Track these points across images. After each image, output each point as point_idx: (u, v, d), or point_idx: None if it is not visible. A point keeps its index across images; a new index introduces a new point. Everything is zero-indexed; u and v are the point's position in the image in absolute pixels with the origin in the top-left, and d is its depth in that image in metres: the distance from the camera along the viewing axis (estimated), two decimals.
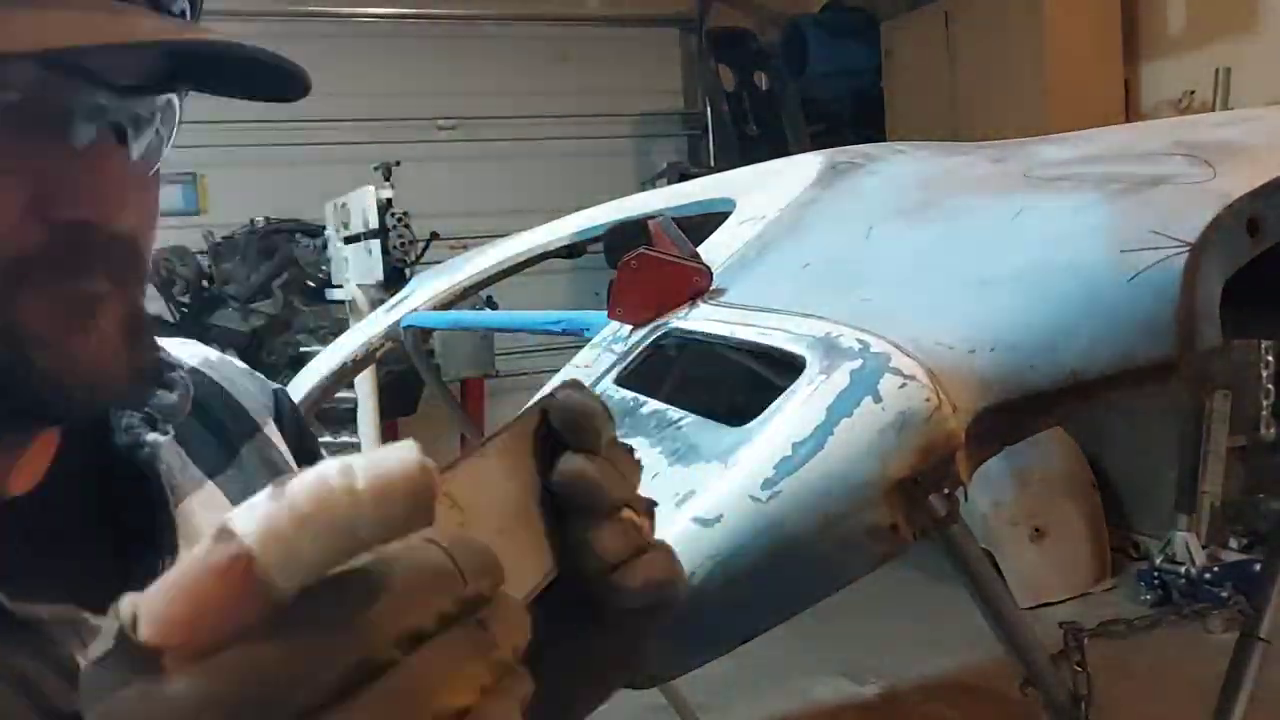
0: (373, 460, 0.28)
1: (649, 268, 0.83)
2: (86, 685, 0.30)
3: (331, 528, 0.27)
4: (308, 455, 0.71)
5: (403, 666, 0.28)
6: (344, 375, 1.96)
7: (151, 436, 0.60)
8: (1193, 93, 4.18)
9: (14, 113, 0.50)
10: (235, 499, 0.63)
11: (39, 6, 0.48)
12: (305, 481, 0.28)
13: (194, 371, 0.66)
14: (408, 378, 4.17)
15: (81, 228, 0.52)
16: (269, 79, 0.55)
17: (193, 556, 0.28)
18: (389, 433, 4.35)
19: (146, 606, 0.28)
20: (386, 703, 0.28)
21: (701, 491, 0.62)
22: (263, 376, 0.75)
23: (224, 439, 0.67)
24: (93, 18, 0.50)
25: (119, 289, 0.55)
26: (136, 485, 0.60)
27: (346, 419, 3.64)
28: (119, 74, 0.52)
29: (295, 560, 0.27)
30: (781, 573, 0.59)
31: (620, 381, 0.82)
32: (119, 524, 0.59)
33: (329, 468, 0.28)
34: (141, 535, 0.59)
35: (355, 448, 3.69)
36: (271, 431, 0.70)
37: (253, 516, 0.28)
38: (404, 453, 0.28)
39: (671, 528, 0.61)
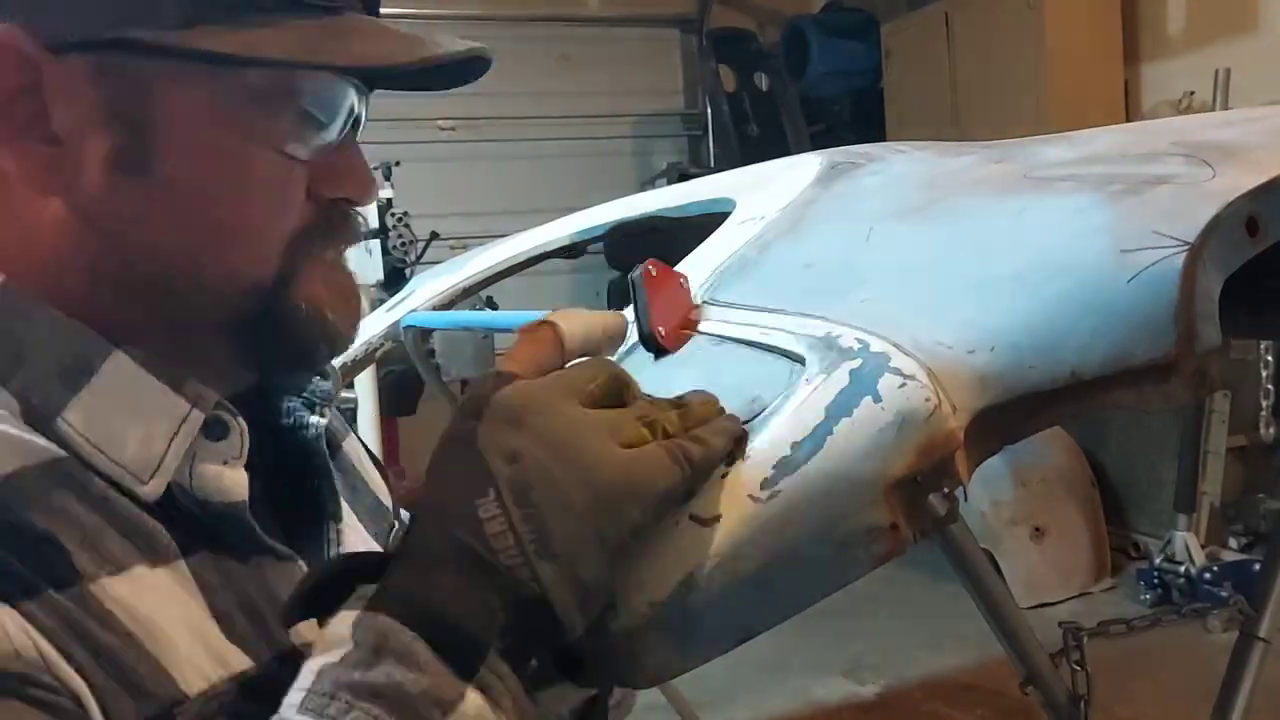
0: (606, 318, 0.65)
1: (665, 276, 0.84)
2: (473, 393, 0.56)
3: (587, 338, 0.63)
4: (366, 448, 0.86)
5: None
6: (344, 375, 1.96)
7: (314, 419, 0.70)
8: (1192, 93, 4.18)
9: (312, 111, 0.61)
10: (348, 488, 0.75)
11: (332, 27, 0.60)
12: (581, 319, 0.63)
13: None
14: (408, 378, 4.17)
15: (343, 204, 0.65)
16: (457, 71, 0.67)
17: (526, 334, 0.61)
18: (389, 432, 4.35)
19: (509, 356, 0.60)
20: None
21: (700, 491, 0.62)
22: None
23: (334, 438, 0.77)
24: (381, 33, 0.62)
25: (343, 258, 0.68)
26: (298, 460, 0.69)
27: (347, 419, 3.63)
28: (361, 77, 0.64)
29: (575, 342, 0.62)
30: (781, 572, 0.59)
31: None
32: (286, 493, 0.67)
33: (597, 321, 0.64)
34: (305, 503, 0.68)
35: None
36: (354, 442, 0.83)
37: (567, 320, 0.62)
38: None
39: (670, 527, 0.61)
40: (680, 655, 0.60)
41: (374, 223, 3.58)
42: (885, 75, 5.41)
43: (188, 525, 0.58)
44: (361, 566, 0.55)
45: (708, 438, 0.59)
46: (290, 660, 0.56)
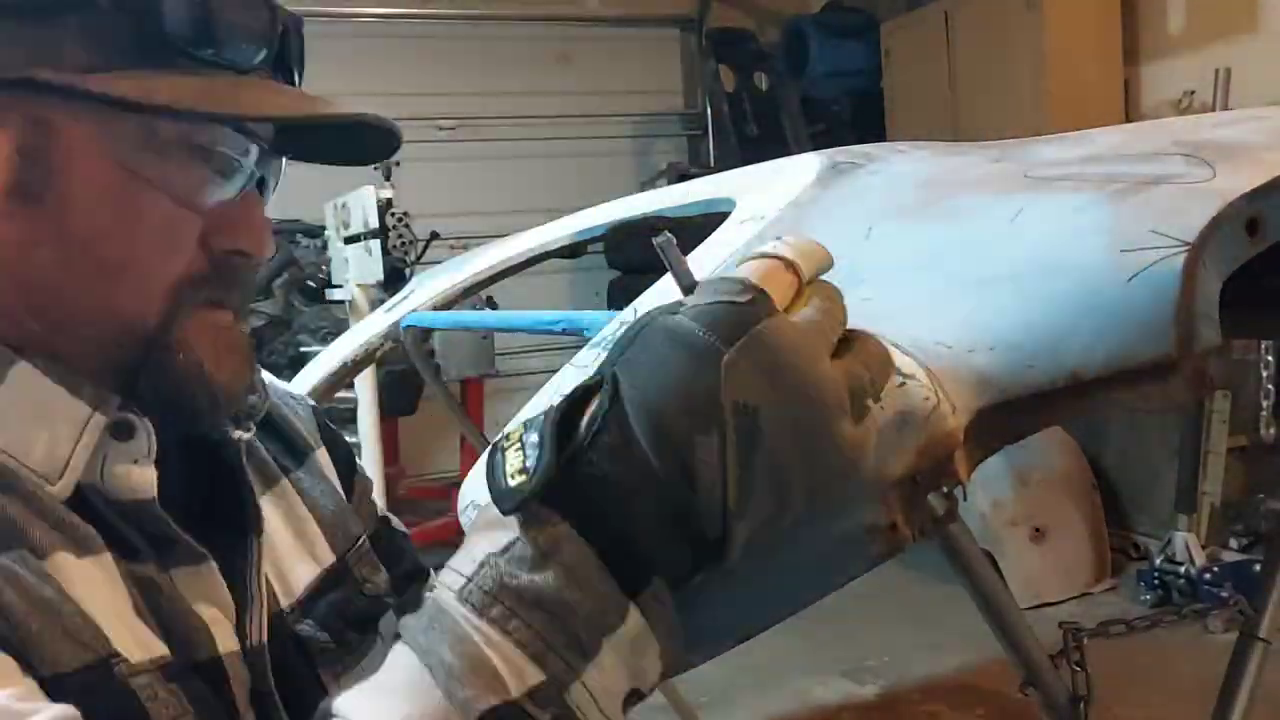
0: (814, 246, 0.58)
1: None
2: (730, 305, 0.52)
3: (817, 270, 0.57)
4: (344, 458, 0.85)
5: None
6: (344, 375, 1.96)
7: (237, 434, 0.70)
8: (1192, 93, 4.18)
9: (210, 163, 0.63)
10: (307, 496, 0.77)
11: (235, 83, 0.63)
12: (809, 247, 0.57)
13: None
14: (408, 378, 4.17)
15: (235, 258, 0.66)
16: (366, 143, 0.70)
17: (772, 261, 0.55)
18: (389, 432, 4.35)
19: (747, 268, 0.55)
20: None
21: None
22: (301, 394, 0.87)
23: (294, 448, 0.79)
24: (281, 93, 0.66)
25: (243, 315, 0.69)
26: (221, 473, 0.70)
27: (346, 419, 3.64)
28: (266, 137, 0.66)
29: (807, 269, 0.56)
30: (781, 573, 0.59)
31: None
32: (206, 507, 0.69)
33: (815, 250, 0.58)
34: (224, 516, 0.69)
35: (355, 448, 3.69)
36: (323, 454, 0.82)
37: (791, 247, 0.56)
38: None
39: None
40: (680, 654, 0.60)
41: (374, 222, 3.57)
42: (885, 75, 5.41)
43: (104, 528, 0.61)
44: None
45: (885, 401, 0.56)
46: (201, 669, 0.61)
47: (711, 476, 0.50)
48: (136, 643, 0.58)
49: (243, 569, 0.68)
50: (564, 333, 1.33)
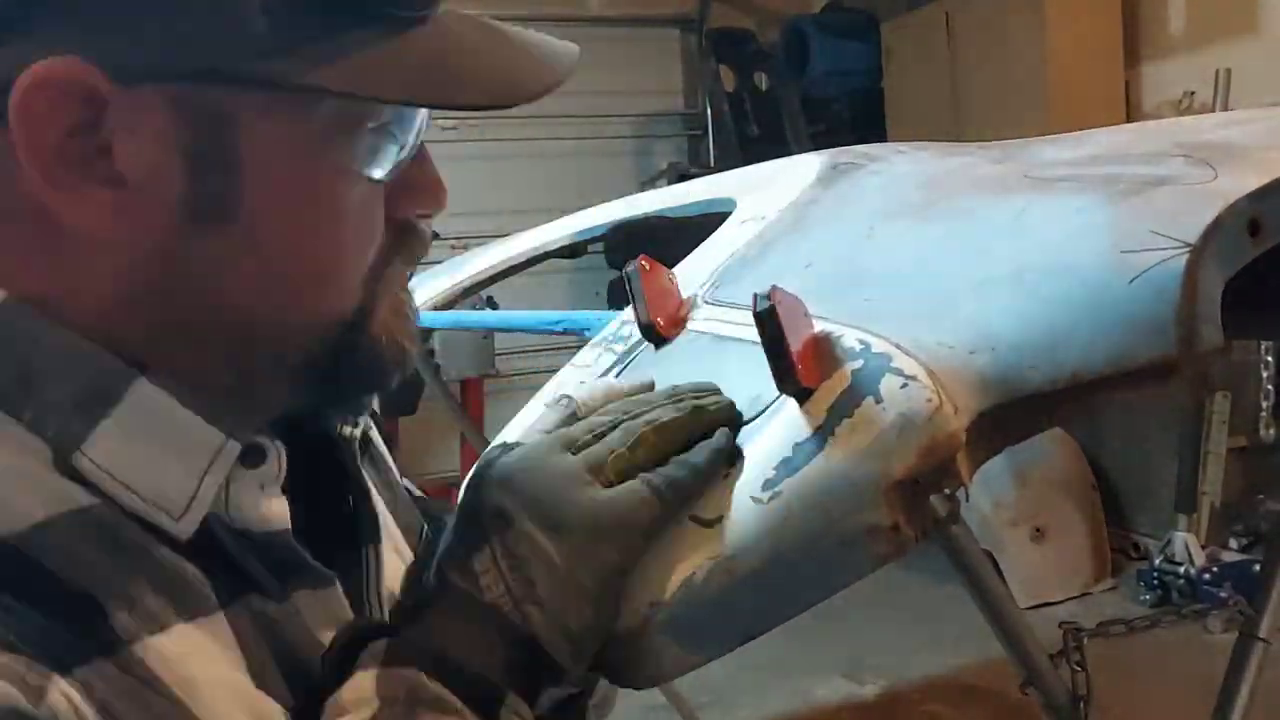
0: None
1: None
2: (483, 458, 0.62)
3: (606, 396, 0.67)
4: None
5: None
6: None
7: (349, 431, 0.66)
8: (1193, 94, 4.18)
9: (386, 131, 0.56)
10: (382, 491, 0.71)
11: (427, 40, 0.53)
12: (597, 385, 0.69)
13: None
14: (407, 377, 4.15)
15: (415, 219, 0.61)
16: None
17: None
18: (389, 432, 4.33)
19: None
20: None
21: (701, 491, 0.62)
22: None
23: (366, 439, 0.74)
24: (479, 57, 0.56)
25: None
26: (331, 473, 0.65)
27: None
28: None
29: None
30: (782, 573, 0.59)
31: None
32: (314, 515, 0.61)
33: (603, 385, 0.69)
34: (336, 525, 0.64)
35: None
36: (378, 441, 0.77)
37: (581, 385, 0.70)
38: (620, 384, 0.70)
39: (671, 528, 0.61)
40: (681, 655, 0.60)
41: None
42: (885, 75, 5.41)
43: (225, 562, 0.54)
44: (367, 632, 0.57)
45: (690, 458, 0.62)
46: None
47: (492, 580, 0.57)
48: (251, 714, 0.52)
49: (359, 582, 0.62)
50: (564, 333, 1.33)
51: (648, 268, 0.79)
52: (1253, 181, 0.64)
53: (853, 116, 5.64)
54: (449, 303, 1.73)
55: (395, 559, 0.68)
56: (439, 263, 2.11)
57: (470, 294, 1.77)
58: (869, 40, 5.51)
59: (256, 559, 0.56)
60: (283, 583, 0.57)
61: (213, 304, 0.53)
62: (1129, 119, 4.31)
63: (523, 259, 1.68)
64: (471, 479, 0.61)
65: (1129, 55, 4.46)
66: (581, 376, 0.84)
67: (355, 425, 0.67)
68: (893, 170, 0.99)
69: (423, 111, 0.58)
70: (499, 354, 4.93)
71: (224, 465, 0.54)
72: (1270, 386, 3.74)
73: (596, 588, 0.57)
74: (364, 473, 0.67)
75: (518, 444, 0.63)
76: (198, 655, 0.51)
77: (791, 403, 0.63)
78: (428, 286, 1.79)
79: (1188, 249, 0.59)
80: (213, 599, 0.53)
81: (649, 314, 0.78)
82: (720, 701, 3.07)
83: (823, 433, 0.60)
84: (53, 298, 0.51)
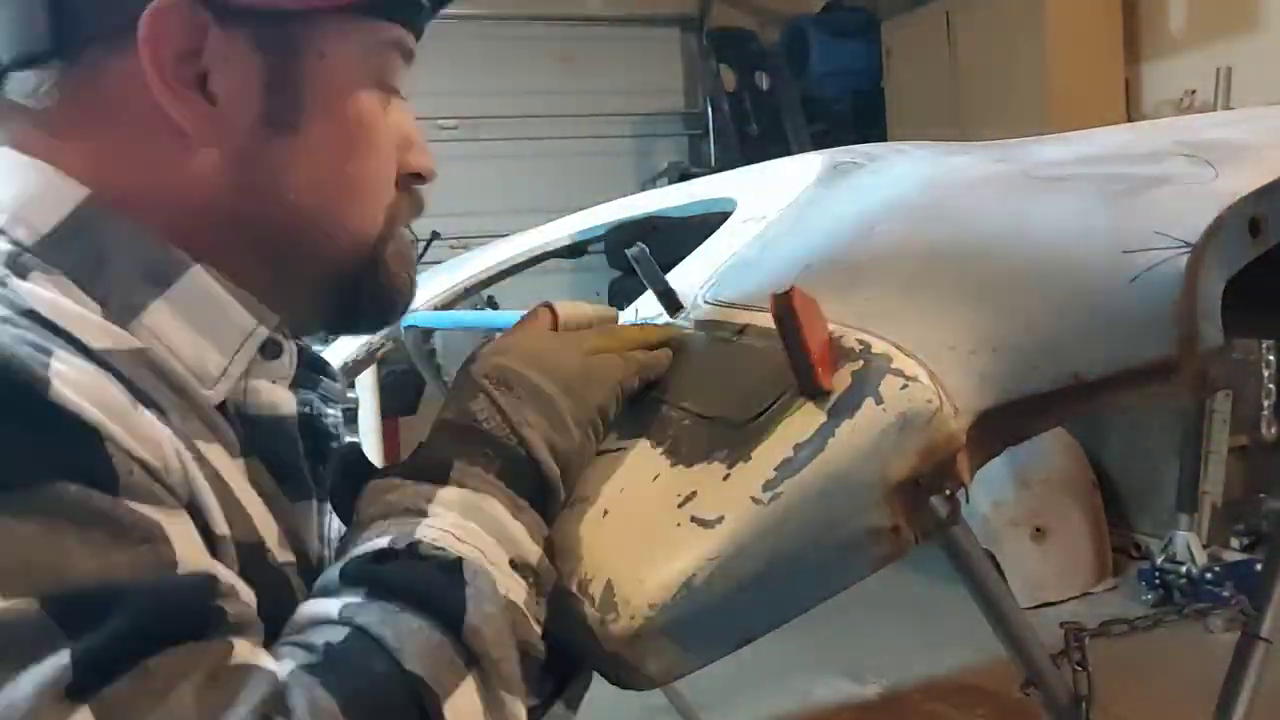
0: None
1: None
2: (471, 352, 0.68)
3: (579, 316, 0.76)
4: None
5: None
6: (345, 375, 1.95)
7: (331, 411, 0.74)
8: (1194, 92, 4.17)
9: (403, 49, 0.69)
10: None
11: None
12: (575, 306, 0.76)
13: None
14: (409, 377, 4.16)
15: (416, 178, 0.72)
16: None
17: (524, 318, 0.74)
18: (389, 432, 4.34)
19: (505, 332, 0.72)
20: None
21: (703, 493, 0.62)
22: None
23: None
24: None
25: None
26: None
27: (348, 418, 3.63)
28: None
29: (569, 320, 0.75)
30: (782, 574, 0.59)
31: None
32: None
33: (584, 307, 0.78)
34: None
35: None
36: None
37: (560, 304, 0.76)
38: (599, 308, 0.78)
39: (673, 529, 0.61)
40: (682, 657, 0.60)
41: None
42: (886, 74, 5.40)
43: (241, 434, 0.62)
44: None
45: (657, 352, 0.75)
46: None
47: (488, 412, 0.64)
48: (275, 542, 0.61)
49: (320, 525, 0.70)
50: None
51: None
52: (1254, 181, 0.64)
53: (853, 116, 5.64)
54: (450, 303, 1.73)
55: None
56: (440, 263, 2.11)
57: (471, 294, 1.77)
58: (869, 40, 5.51)
59: (266, 447, 0.64)
60: (280, 481, 0.65)
61: (272, 203, 0.64)
62: (1129, 118, 4.31)
63: (524, 259, 1.68)
64: (467, 360, 0.68)
65: (1129, 54, 4.46)
66: None
67: (333, 408, 0.75)
68: (893, 170, 0.99)
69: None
70: None
71: (252, 347, 0.64)
72: (1271, 385, 3.74)
73: (583, 416, 0.67)
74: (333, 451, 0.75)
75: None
76: (235, 479, 0.60)
77: (793, 403, 0.63)
78: (428, 286, 1.79)
79: (1188, 249, 0.59)
80: (238, 446, 0.61)
81: (666, 283, 0.85)
82: (721, 701, 3.06)
83: (823, 433, 0.60)
84: (142, 190, 0.61)
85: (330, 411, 0.74)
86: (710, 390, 0.69)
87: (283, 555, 0.61)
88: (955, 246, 0.74)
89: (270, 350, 0.65)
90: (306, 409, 0.71)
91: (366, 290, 0.68)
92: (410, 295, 0.73)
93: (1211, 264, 0.59)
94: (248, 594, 0.53)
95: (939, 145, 1.12)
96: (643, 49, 6.06)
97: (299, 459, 0.66)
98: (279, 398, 0.65)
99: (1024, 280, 0.65)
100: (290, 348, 0.66)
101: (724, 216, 1.06)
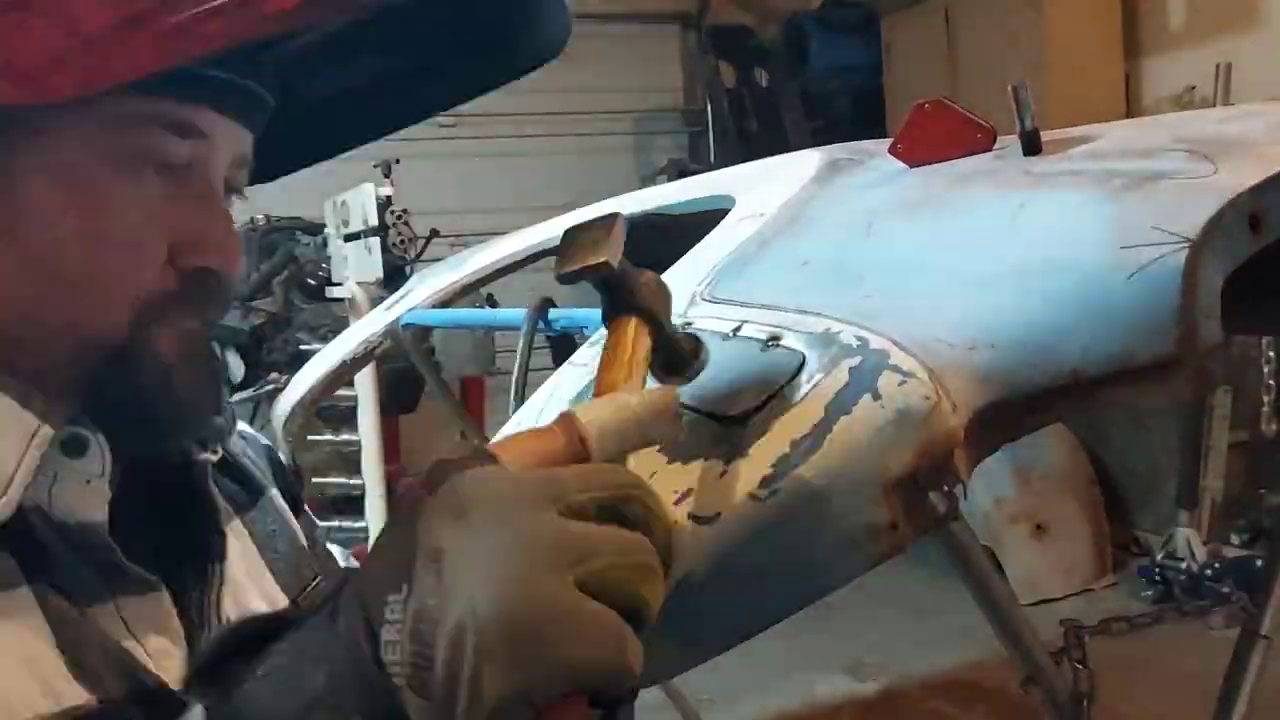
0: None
1: (940, 115, 0.88)
2: (442, 462, 0.49)
3: (619, 432, 0.52)
4: (291, 499, 0.80)
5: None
6: (344, 373, 1.95)
7: (203, 456, 0.67)
8: (1194, 88, 4.17)
9: (172, 176, 0.60)
10: (259, 538, 0.72)
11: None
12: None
13: None
14: (408, 375, 4.16)
15: (206, 275, 0.62)
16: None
17: (544, 427, 0.52)
18: (389, 430, 4.34)
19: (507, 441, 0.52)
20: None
21: (700, 489, 0.62)
22: (254, 432, 0.83)
23: (250, 485, 0.74)
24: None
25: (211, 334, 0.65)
26: (183, 499, 0.66)
27: (347, 417, 3.63)
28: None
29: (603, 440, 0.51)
30: (780, 571, 0.59)
31: None
32: (167, 534, 0.64)
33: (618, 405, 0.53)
34: (185, 543, 0.65)
35: (355, 445, 3.69)
36: (276, 495, 0.77)
37: (590, 411, 0.51)
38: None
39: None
40: (680, 654, 0.60)
41: (374, 220, 3.57)
42: (885, 71, 5.40)
43: (43, 553, 0.56)
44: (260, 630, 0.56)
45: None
46: (149, 699, 0.56)
47: (393, 637, 0.46)
48: (45, 691, 0.53)
49: (199, 598, 0.64)
50: (564, 331, 1.32)
51: (929, 111, 0.75)
52: (1253, 176, 0.63)
53: (853, 112, 5.64)
54: (448, 300, 1.73)
55: (247, 581, 0.69)
56: (439, 260, 2.11)
57: (470, 291, 1.77)
58: (869, 36, 5.50)
59: (77, 557, 0.57)
60: (106, 584, 0.58)
61: None
62: (1129, 114, 4.30)
63: (522, 256, 1.68)
64: (423, 486, 0.49)
65: (1129, 50, 4.45)
66: (581, 375, 0.84)
67: (212, 451, 0.68)
68: (892, 166, 0.98)
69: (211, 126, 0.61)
70: (499, 352, 4.92)
71: (40, 448, 0.56)
72: (1271, 381, 3.73)
73: (510, 690, 0.44)
74: (217, 497, 0.68)
75: (494, 459, 0.50)
76: None
77: (791, 400, 0.63)
78: (427, 284, 1.79)
79: (1188, 244, 0.59)
80: (18, 574, 0.54)
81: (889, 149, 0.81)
82: (721, 699, 3.07)
83: (821, 430, 0.60)
84: None
85: (202, 458, 0.67)
86: (707, 387, 0.69)
87: (54, 702, 0.53)
88: (954, 242, 0.74)
89: (73, 448, 0.58)
90: (178, 458, 0.66)
91: (111, 388, 0.59)
92: (194, 402, 0.63)
93: (1211, 259, 0.59)
94: None
95: None
96: (642, 46, 6.06)
97: (118, 559, 0.59)
98: (86, 501, 0.58)
99: (1023, 276, 0.65)
100: (98, 442, 0.59)
101: (722, 213, 1.06)
